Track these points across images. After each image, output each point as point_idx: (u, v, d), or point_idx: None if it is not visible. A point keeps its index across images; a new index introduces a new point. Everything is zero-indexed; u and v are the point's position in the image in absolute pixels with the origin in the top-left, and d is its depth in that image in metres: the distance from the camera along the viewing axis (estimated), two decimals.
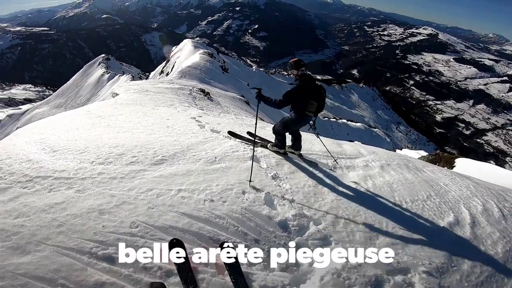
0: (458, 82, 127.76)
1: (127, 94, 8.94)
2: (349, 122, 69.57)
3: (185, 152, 3.49)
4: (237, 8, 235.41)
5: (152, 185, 2.75)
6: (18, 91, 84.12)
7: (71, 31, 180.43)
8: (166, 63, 41.93)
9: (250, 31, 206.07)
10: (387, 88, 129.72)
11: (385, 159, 4.46)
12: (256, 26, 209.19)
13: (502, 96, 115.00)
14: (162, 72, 39.49)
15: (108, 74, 46.73)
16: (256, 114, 3.82)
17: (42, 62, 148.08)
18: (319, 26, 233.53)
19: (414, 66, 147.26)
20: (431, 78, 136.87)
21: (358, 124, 71.24)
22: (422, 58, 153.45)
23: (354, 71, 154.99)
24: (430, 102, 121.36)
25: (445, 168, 7.60)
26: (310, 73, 3.41)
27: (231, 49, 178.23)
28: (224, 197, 2.73)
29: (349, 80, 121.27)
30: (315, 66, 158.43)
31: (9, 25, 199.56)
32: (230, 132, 4.44)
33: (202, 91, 12.09)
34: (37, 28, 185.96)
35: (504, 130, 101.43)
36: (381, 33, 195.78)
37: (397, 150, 31.41)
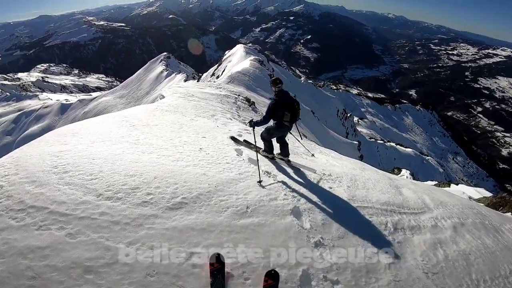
0: None
1: (172, 98, 8.87)
2: (398, 146, 63.43)
3: (211, 194, 2.82)
4: (291, 18, 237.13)
5: (160, 241, 2.20)
6: (92, 80, 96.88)
7: (142, 28, 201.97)
8: (218, 66, 43.62)
9: (302, 41, 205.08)
10: (449, 114, 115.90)
11: (458, 216, 3.73)
12: (309, 36, 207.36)
13: None
14: (213, 74, 41.17)
15: (167, 72, 50.71)
16: (254, 135, 4.25)
17: (116, 56, 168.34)
18: (377, 41, 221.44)
19: (485, 91, 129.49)
20: (503, 106, 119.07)
21: (408, 150, 64.56)
22: (496, 82, 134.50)
23: (412, 92, 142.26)
24: (498, 134, 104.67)
25: None
26: (286, 90, 3.97)
27: (282, 57, 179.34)
28: (248, 272, 2.14)
29: (405, 101, 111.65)
30: (367, 83, 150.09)
31: (95, 19, 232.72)
32: (232, 138, 4.95)
33: (248, 100, 11.73)
34: (117, 24, 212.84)
35: None
36: (450, 52, 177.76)
37: (452, 185, 26.77)
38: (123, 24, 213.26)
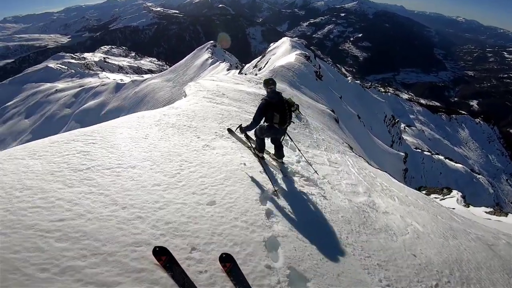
0: None
1: (194, 99, 6.82)
2: (446, 160, 57.39)
3: None
4: (342, 14, 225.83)
5: None
6: (146, 63, 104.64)
7: (194, 16, 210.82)
8: (261, 58, 42.90)
9: (352, 39, 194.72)
10: None
11: None
12: (360, 35, 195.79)
13: None
14: (255, 66, 40.75)
15: (212, 59, 52.48)
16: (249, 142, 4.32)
17: (168, 41, 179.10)
18: (439, 45, 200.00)
19: None
20: None
21: (458, 165, 58.10)
22: None
23: (473, 102, 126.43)
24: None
25: None
26: (278, 90, 3.88)
27: (328, 54, 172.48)
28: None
29: (463, 112, 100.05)
30: (421, 88, 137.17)
31: (153, 5, 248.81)
32: (229, 130, 4.78)
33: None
34: (171, 11, 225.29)
35: None
36: None
37: (510, 216, 23.52)
38: (177, 11, 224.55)
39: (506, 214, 22.17)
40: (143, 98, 42.07)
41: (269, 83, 3.76)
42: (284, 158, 4.38)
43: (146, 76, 61.25)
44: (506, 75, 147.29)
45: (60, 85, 52.62)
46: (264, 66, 33.70)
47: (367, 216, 3.86)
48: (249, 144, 4.37)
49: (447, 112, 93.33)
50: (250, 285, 1.98)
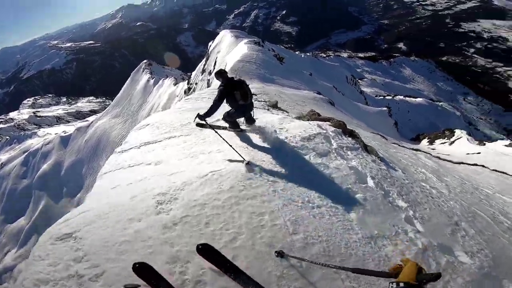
0: None
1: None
2: (406, 98, 63.37)
3: None
4: None
5: None
6: (84, 104, 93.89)
7: (113, 41, 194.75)
8: (206, 60, 38.56)
9: (278, 18, 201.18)
10: (444, 59, 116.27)
11: None
12: (284, 12, 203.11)
13: None
14: (204, 70, 36.92)
15: (153, 79, 48.49)
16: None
17: (96, 74, 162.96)
18: (352, 3, 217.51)
19: (472, 34, 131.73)
20: (495, 44, 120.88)
21: (419, 100, 64.53)
22: (479, 25, 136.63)
23: (400, 45, 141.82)
24: (499, 69, 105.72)
25: None
26: (231, 76, 4.21)
27: (262, 38, 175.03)
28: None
29: (397, 54, 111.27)
30: (354, 45, 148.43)
31: (60, 41, 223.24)
32: (198, 124, 4.63)
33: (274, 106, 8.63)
34: (85, 42, 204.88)
35: None
36: (423, 3, 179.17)
37: (487, 143, 26.10)
38: (91, 42, 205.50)
39: (483, 144, 24.29)
40: (98, 144, 37.79)
41: (221, 73, 4.11)
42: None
43: (90, 118, 55.13)
44: (414, 17, 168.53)
45: (1, 157, 44.59)
46: (214, 68, 30.00)
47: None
48: (225, 126, 4.59)
49: (385, 58, 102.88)
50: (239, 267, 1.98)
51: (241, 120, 4.65)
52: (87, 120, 54.25)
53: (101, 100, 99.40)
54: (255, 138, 4.22)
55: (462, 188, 4.74)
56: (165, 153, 4.14)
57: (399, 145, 11.10)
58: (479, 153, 22.96)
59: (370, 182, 3.41)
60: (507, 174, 8.67)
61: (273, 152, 3.70)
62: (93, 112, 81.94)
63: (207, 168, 3.25)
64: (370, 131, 14.06)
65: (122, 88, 50.45)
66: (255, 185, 2.84)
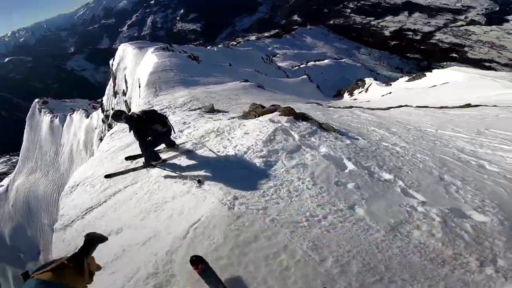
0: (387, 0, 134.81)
1: None
2: (317, 62, 70.11)
3: None
4: (152, 2, 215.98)
5: None
6: None
7: None
8: (114, 81, 33.59)
9: (178, 18, 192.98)
10: (331, 23, 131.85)
11: None
12: (182, 11, 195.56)
13: (429, 2, 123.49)
14: (116, 93, 31.93)
15: (57, 118, 40.80)
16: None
17: None
18: None
19: None
20: (362, 2, 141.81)
21: (326, 61, 72.13)
22: None
23: (295, 17, 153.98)
24: (373, 22, 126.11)
25: None
26: (131, 114, 3.81)
27: (169, 42, 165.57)
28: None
29: (295, 27, 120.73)
30: (257, 26, 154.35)
31: None
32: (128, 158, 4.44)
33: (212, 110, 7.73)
34: None
35: (448, 28, 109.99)
36: None
37: (392, 83, 31.75)
38: None
39: (424, 75, 29.30)
40: (28, 205, 31.66)
41: (118, 116, 3.69)
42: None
43: (4, 182, 43.93)
44: None
45: None
46: (127, 87, 26.21)
47: None
48: (141, 165, 4.06)
49: (286, 31, 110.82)
50: (224, 283, 1.97)
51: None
52: (2, 185, 42.98)
53: (6, 159, 79.65)
54: (205, 162, 3.71)
55: (411, 134, 5.24)
56: (121, 216, 3.23)
57: (334, 108, 11.97)
58: (390, 92, 27.38)
59: (350, 165, 3.35)
60: (428, 107, 10.27)
61: (244, 174, 3.26)
62: (3, 174, 65.16)
63: (183, 222, 2.60)
64: (305, 102, 14.77)
65: (24, 139, 41.19)
66: (248, 223, 2.37)
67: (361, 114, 8.32)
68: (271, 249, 2.12)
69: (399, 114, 8.86)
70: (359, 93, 34.39)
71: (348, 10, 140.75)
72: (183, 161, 3.99)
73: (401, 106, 11.24)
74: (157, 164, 3.95)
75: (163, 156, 4.24)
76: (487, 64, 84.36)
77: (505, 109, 9.22)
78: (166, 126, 3.96)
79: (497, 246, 2.16)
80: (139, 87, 16.73)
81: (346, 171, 3.21)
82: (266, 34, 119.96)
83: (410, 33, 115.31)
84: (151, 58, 21.53)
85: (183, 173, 3.53)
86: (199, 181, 3.19)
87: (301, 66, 67.13)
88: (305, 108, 8.21)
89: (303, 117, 5.25)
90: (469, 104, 10.13)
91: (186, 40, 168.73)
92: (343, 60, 73.58)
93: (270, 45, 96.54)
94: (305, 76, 40.60)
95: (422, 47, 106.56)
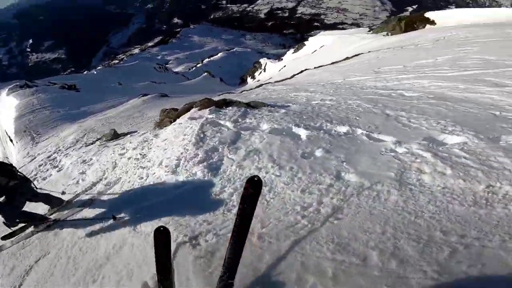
0: None
1: None
2: (212, 58, 70.64)
3: None
4: None
5: None
6: None
7: None
8: None
9: (28, 50, 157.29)
10: (212, 17, 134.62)
11: None
12: (30, 41, 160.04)
13: None
14: None
15: None
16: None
17: None
18: (107, 1, 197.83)
19: None
20: None
21: (220, 54, 73.58)
22: None
23: (176, 20, 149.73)
24: (248, 8, 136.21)
25: None
26: None
27: (26, 79, 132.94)
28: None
29: (179, 29, 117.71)
30: (137, 38, 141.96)
31: None
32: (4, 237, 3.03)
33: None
34: None
35: (304, 1, 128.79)
36: None
37: (283, 58, 34.84)
38: None
39: (304, 44, 32.30)
40: None
41: None
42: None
43: None
44: None
45: None
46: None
47: None
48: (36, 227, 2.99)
49: (170, 36, 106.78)
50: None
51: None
52: None
53: None
54: (126, 201, 2.79)
55: (328, 88, 5.42)
56: None
57: (247, 90, 12.00)
58: (285, 66, 29.93)
59: (302, 131, 3.01)
60: (323, 66, 11.36)
61: (189, 194, 2.49)
62: None
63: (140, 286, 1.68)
64: (217, 95, 14.39)
65: None
66: None
67: (275, 87, 8.42)
68: (287, 278, 1.36)
69: (305, 77, 9.48)
70: (259, 74, 36.51)
71: (224, 1, 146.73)
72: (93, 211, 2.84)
73: (302, 71, 12.16)
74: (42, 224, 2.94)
75: (54, 216, 3.12)
76: (340, 26, 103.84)
77: (377, 52, 11.14)
78: (14, 178, 2.69)
79: (504, 162, 1.85)
80: (11, 141, 12.88)
81: (304, 138, 2.86)
82: (150, 44, 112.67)
83: (279, 11, 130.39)
84: (8, 101, 17.20)
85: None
86: (114, 218, 2.50)
87: (198, 65, 66.39)
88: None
89: (226, 102, 4.75)
90: (356, 55, 11.78)
91: (52, 71, 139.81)
92: (234, 49, 76.57)
93: (158, 53, 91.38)
94: (205, 74, 40.33)
95: (292, 22, 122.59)
